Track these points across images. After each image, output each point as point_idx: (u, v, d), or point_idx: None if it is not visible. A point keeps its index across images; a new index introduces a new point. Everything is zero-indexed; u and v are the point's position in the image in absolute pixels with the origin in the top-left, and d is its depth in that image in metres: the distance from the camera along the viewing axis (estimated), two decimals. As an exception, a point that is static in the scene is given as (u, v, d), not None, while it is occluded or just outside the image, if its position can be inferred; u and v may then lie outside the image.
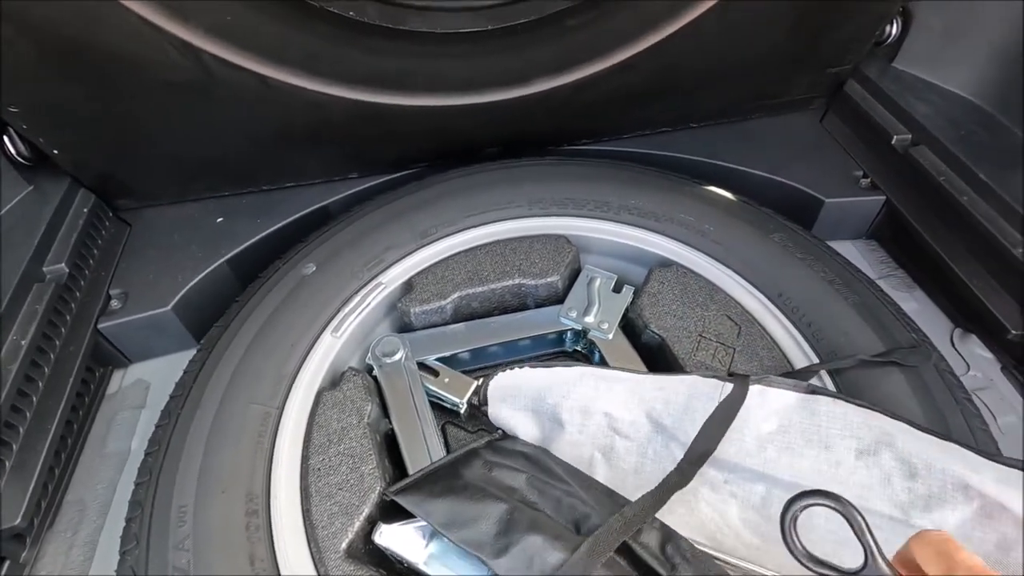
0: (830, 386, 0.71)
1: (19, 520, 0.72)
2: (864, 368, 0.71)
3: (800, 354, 0.75)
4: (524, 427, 0.73)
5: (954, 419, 0.67)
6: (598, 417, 0.70)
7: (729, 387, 0.66)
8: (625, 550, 0.58)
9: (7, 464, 0.74)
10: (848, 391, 0.70)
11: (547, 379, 0.72)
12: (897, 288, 1.03)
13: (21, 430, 0.77)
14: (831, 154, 1.12)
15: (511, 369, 0.74)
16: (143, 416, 0.94)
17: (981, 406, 0.85)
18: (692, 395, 0.67)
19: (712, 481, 0.64)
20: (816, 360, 0.74)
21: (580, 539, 0.56)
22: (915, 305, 1.00)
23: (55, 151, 0.92)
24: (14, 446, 0.75)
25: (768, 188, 1.07)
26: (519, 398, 0.73)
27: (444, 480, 0.65)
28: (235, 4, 0.75)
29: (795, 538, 0.40)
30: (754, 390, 0.65)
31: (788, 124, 1.17)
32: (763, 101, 1.15)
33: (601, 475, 0.68)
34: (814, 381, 0.71)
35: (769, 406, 0.65)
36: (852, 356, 0.71)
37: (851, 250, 1.10)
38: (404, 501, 0.62)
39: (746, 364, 0.74)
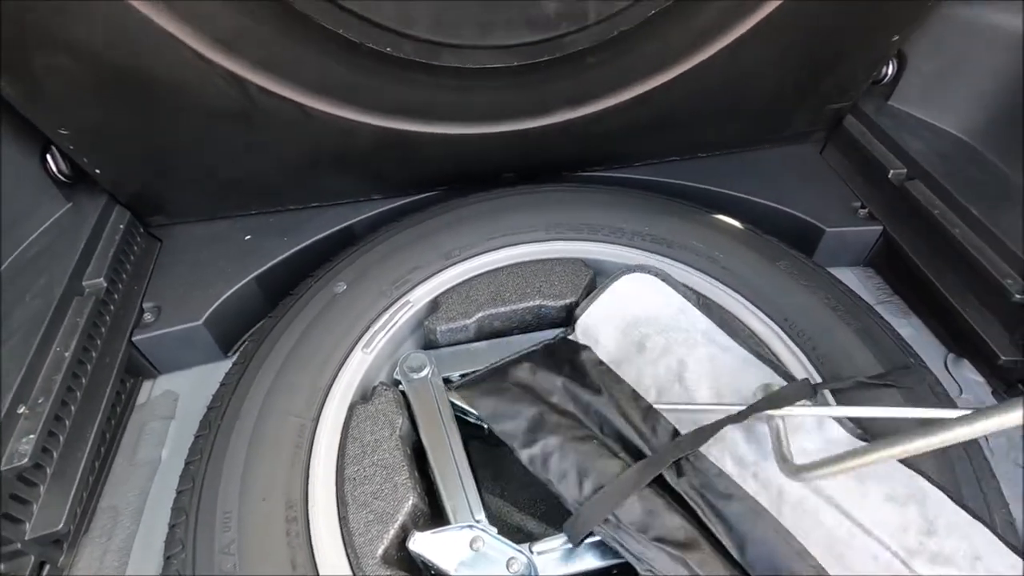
0: (831, 402, 0.76)
1: (61, 526, 0.76)
2: (863, 389, 0.76)
3: (805, 375, 0.80)
4: (606, 336, 0.83)
5: (960, 458, 0.72)
6: (673, 360, 0.78)
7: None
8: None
9: (48, 471, 0.77)
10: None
11: (653, 311, 0.83)
12: (893, 314, 1.09)
13: (62, 439, 0.80)
14: (831, 185, 1.18)
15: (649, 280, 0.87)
16: (172, 426, 0.97)
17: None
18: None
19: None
20: (819, 380, 0.79)
21: (594, 446, 0.70)
22: (910, 330, 1.06)
23: (98, 170, 0.96)
24: (55, 454, 0.79)
25: (772, 216, 1.13)
26: (622, 312, 0.84)
27: (493, 380, 0.79)
28: (283, 39, 0.80)
29: None
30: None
31: (790, 155, 1.23)
32: (767, 134, 1.21)
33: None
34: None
35: (823, 432, 0.70)
36: (852, 378, 0.76)
37: (850, 277, 1.15)
38: (458, 396, 0.79)
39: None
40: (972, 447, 0.73)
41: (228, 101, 0.86)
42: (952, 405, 0.77)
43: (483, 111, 1.00)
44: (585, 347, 0.82)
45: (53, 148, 0.96)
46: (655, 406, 0.74)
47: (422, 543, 0.67)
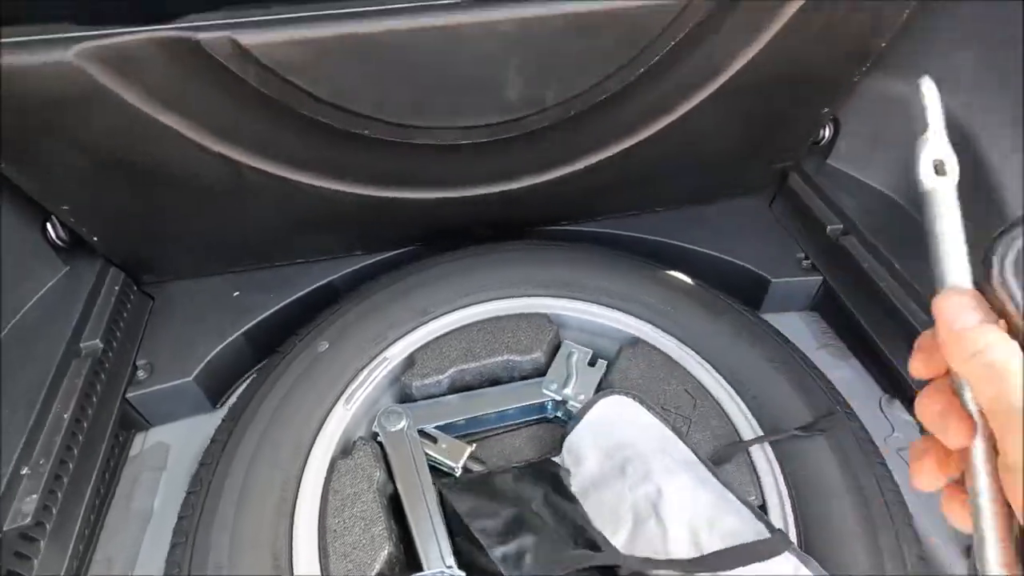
0: (771, 452, 0.85)
1: (62, 573, 0.81)
2: (796, 439, 0.85)
3: (745, 423, 0.88)
4: (589, 458, 0.86)
5: (867, 479, 0.81)
6: (652, 488, 0.80)
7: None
8: None
9: (48, 527, 0.83)
10: (784, 458, 0.83)
11: (643, 438, 0.85)
12: (835, 356, 1.18)
13: (60, 495, 0.86)
14: (777, 238, 1.28)
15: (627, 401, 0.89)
16: (164, 477, 1.03)
17: (902, 463, 1.00)
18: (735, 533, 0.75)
19: None
20: (759, 429, 0.88)
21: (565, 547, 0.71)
22: (849, 372, 1.15)
23: (95, 238, 1.03)
24: (54, 510, 0.84)
25: (722, 267, 1.23)
26: (606, 434, 0.87)
27: (479, 485, 0.83)
28: (270, 126, 0.89)
29: None
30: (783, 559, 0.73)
31: (741, 210, 1.34)
32: (719, 190, 1.32)
33: (622, 535, 0.78)
34: (755, 449, 0.84)
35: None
36: (787, 432, 0.85)
37: (796, 321, 1.25)
38: (447, 493, 0.81)
39: (699, 434, 0.88)
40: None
41: (220, 178, 0.94)
42: (874, 449, 0.86)
43: (454, 179, 1.09)
44: (566, 470, 0.86)
45: (53, 218, 1.04)
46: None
47: (398, 589, 0.73)
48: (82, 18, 0.72)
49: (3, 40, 0.69)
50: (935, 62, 1.10)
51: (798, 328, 1.23)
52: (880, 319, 1.10)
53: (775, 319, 1.21)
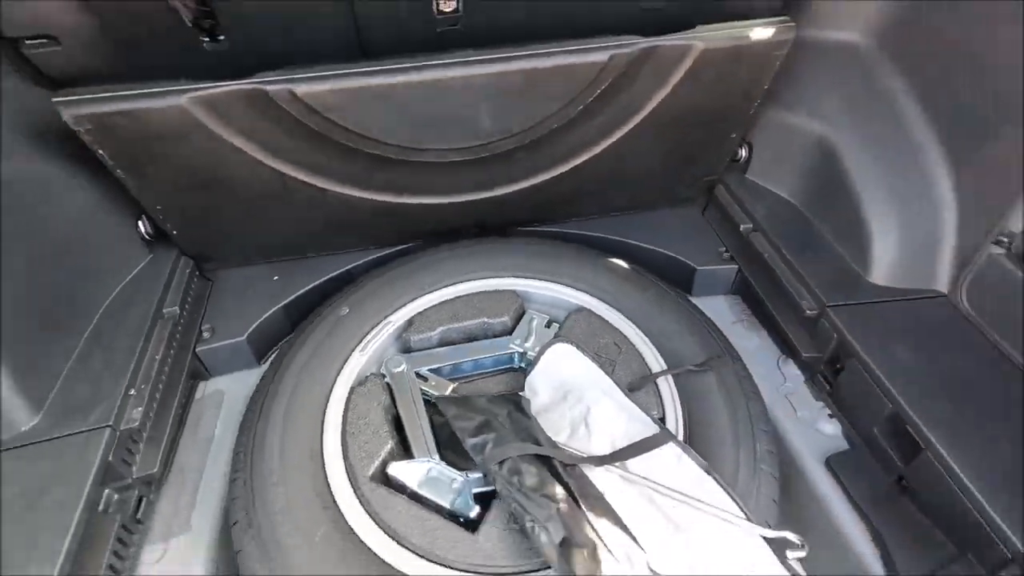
0: (672, 382, 1.15)
1: (156, 470, 1.12)
2: (691, 373, 1.15)
3: (656, 364, 1.19)
4: (542, 392, 1.15)
5: (739, 401, 1.11)
6: (583, 407, 1.10)
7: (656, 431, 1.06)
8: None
9: (145, 434, 1.15)
10: (680, 386, 1.14)
11: (580, 375, 1.15)
12: (747, 328, 1.49)
13: (152, 414, 1.18)
14: (705, 236, 1.60)
15: (569, 349, 1.19)
16: (221, 413, 1.34)
17: (791, 404, 1.29)
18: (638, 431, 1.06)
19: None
20: (664, 367, 1.18)
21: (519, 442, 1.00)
22: (758, 340, 1.45)
23: (175, 232, 1.37)
24: (148, 424, 1.16)
25: (660, 258, 1.54)
26: (554, 374, 1.16)
27: (462, 401, 1.12)
28: (309, 147, 1.23)
29: None
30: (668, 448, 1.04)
31: (679, 215, 1.66)
32: (661, 199, 1.64)
33: (560, 440, 1.06)
34: (660, 381, 1.15)
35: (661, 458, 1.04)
36: (683, 366, 1.16)
37: (721, 302, 1.56)
38: (439, 401, 1.11)
39: (621, 371, 1.18)
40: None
41: (270, 187, 1.28)
42: (749, 382, 1.16)
43: (446, 189, 1.42)
44: (527, 400, 1.15)
45: (144, 216, 1.38)
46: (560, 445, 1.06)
47: (396, 469, 1.04)
48: (191, 76, 1.07)
49: (141, 91, 1.05)
50: (812, 97, 1.43)
51: (721, 307, 1.54)
52: (775, 297, 1.40)
53: (706, 301, 1.52)
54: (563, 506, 0.90)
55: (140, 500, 1.12)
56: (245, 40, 1.12)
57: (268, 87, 1.10)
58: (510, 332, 1.31)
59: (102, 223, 1.31)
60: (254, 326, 1.39)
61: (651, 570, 0.84)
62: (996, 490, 0.93)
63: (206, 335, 1.38)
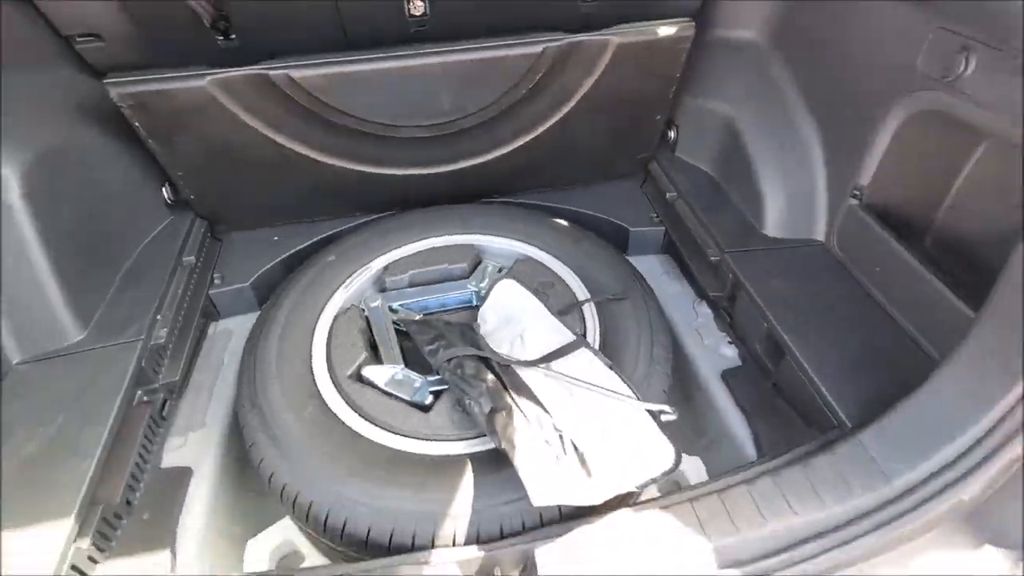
0: (594, 308, 1.42)
1: (178, 377, 1.40)
2: (609, 301, 1.43)
3: (583, 295, 1.46)
4: (490, 320, 1.41)
5: (644, 321, 1.38)
6: (520, 328, 1.36)
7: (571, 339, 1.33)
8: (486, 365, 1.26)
9: (169, 351, 1.42)
10: (600, 310, 1.41)
11: (520, 305, 1.42)
12: (672, 278, 1.76)
13: (175, 336, 1.45)
14: (641, 205, 1.88)
15: (512, 284, 1.46)
16: (228, 346, 1.62)
17: (700, 335, 1.56)
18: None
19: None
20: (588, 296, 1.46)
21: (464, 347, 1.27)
22: (680, 287, 1.73)
23: (192, 197, 1.66)
24: (171, 345, 1.43)
25: (602, 222, 1.82)
26: (500, 306, 1.43)
27: (423, 321, 1.39)
28: (307, 123, 1.51)
29: None
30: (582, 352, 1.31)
31: (620, 187, 1.94)
32: (603, 173, 1.93)
33: (501, 352, 1.34)
34: (585, 307, 1.42)
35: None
36: (602, 295, 1.43)
37: (653, 260, 1.84)
38: (405, 323, 1.38)
39: (554, 301, 1.45)
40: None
41: (271, 158, 1.56)
42: (657, 309, 1.44)
43: (417, 161, 1.70)
44: (478, 325, 1.42)
45: (167, 184, 1.67)
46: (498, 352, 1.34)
47: (368, 371, 1.31)
48: (211, 63, 1.36)
49: (172, 75, 1.34)
50: (722, 86, 1.72)
51: (653, 263, 1.82)
52: (692, 251, 1.68)
53: (641, 259, 1.80)
54: (492, 384, 1.17)
55: (164, 402, 1.39)
56: (252, 36, 1.41)
57: (271, 72, 1.39)
58: (468, 277, 1.59)
59: (135, 187, 1.60)
60: (256, 275, 1.67)
61: (556, 428, 1.11)
62: (830, 378, 1.20)
63: (217, 281, 1.66)
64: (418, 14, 1.46)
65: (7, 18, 1.27)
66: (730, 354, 1.51)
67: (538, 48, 1.46)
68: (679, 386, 1.47)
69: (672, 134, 1.88)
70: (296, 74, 1.41)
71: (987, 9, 1.06)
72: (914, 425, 1.01)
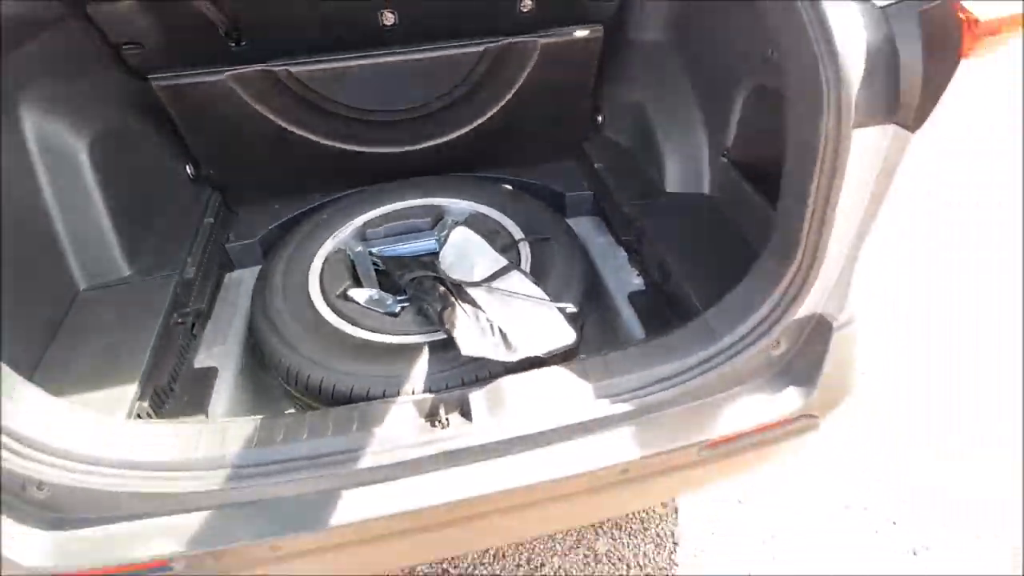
0: (528, 247, 1.83)
1: (203, 305, 1.79)
2: (540, 241, 1.84)
3: (521, 236, 1.87)
4: (448, 257, 1.81)
5: (570, 255, 1.79)
6: (471, 263, 1.77)
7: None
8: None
9: (196, 283, 1.82)
10: (533, 247, 1.82)
11: (472, 245, 1.82)
12: (600, 233, 2.17)
13: (201, 274, 1.85)
14: (576, 175, 2.30)
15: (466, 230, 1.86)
16: (241, 289, 2.01)
17: (618, 273, 1.97)
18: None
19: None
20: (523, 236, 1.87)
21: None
22: (605, 239, 2.14)
23: (211, 172, 2.07)
24: (198, 280, 1.83)
25: (544, 189, 2.24)
26: (458, 246, 1.83)
27: (398, 258, 1.79)
28: (301, 108, 1.93)
29: None
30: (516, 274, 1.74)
31: (560, 162, 2.37)
32: (546, 152, 2.35)
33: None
34: (522, 245, 1.83)
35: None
36: (534, 236, 1.84)
37: (587, 220, 2.25)
38: (381, 261, 1.76)
39: (499, 242, 1.85)
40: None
41: (275, 139, 1.98)
42: (579, 248, 1.85)
43: (393, 141, 2.12)
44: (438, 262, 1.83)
45: (190, 163, 2.08)
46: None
47: (352, 292, 1.71)
48: (228, 63, 1.79)
49: (202, 71, 1.76)
50: (636, 77, 2.16)
51: (586, 222, 2.23)
52: (612, 208, 2.10)
53: (577, 220, 2.21)
54: (443, 292, 1.58)
55: (194, 324, 1.78)
56: (259, 41, 1.83)
57: (275, 68, 1.82)
58: (432, 229, 2.00)
59: (167, 163, 2.01)
60: (262, 234, 2.08)
61: (488, 320, 1.51)
62: (699, 287, 1.61)
63: (232, 237, 2.06)
64: (389, 24, 1.89)
65: (75, 33, 1.69)
66: (637, 282, 1.92)
67: (480, 48, 1.89)
68: (599, 307, 1.88)
69: (600, 118, 2.31)
70: (294, 69, 1.83)
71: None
72: (739, 302, 1.42)
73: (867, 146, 1.12)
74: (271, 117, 1.92)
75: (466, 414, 1.31)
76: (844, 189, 1.17)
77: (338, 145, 2.07)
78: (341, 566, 1.36)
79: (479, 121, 2.11)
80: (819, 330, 1.36)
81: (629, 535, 2.10)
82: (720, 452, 1.40)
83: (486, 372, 1.45)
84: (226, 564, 1.22)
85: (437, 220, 2.03)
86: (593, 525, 2.11)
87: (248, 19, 1.77)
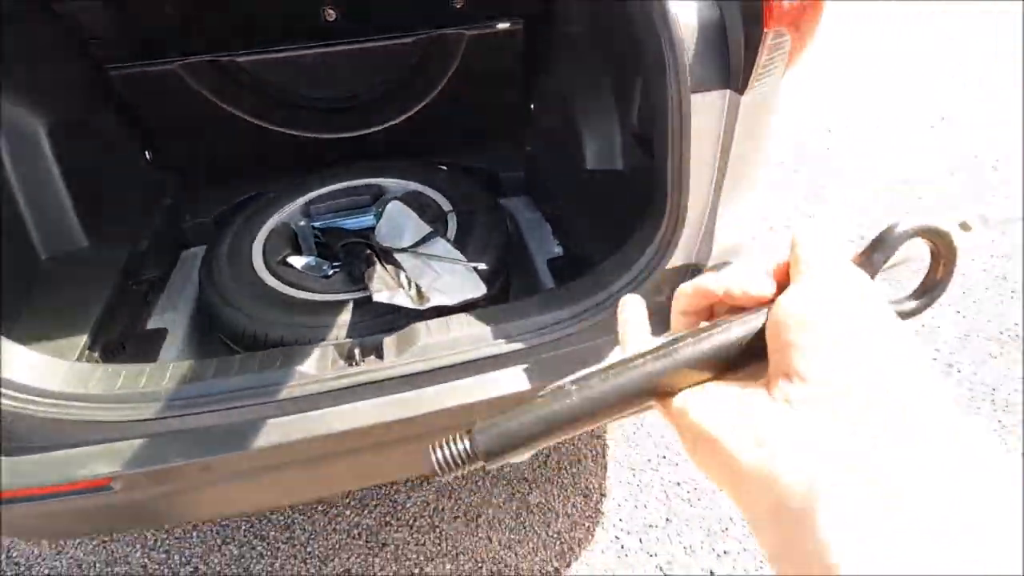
0: (455, 219, 2.01)
1: (157, 274, 1.96)
2: (465, 212, 2.02)
3: (450, 210, 2.06)
4: (384, 228, 2.00)
5: (495, 226, 1.97)
6: (401, 232, 1.97)
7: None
8: None
9: (151, 258, 1.99)
10: (459, 219, 2.00)
11: (403, 218, 2.01)
12: (531, 210, 2.36)
13: (155, 250, 2.02)
14: (510, 157, 2.50)
15: (399, 204, 2.05)
16: (196, 264, 2.18)
17: (542, 243, 2.16)
18: None
19: None
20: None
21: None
22: (534, 214, 2.33)
23: (169, 156, 2.24)
24: (153, 253, 2.00)
25: (483, 171, 2.43)
26: (392, 219, 2.02)
27: (337, 229, 1.95)
28: (247, 94, 2.12)
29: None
30: (439, 241, 1.93)
31: (497, 146, 2.56)
32: (483, 135, 2.54)
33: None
34: (450, 217, 2.01)
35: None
36: (459, 209, 2.03)
37: (519, 200, 2.44)
38: (321, 234, 1.92)
39: (429, 215, 2.04)
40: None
41: (227, 125, 2.16)
42: (503, 218, 2.04)
43: (336, 127, 2.31)
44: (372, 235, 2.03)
45: (149, 147, 2.25)
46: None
47: (291, 259, 1.89)
48: (181, 53, 1.97)
49: (152, 62, 1.94)
50: (563, 69, 2.35)
51: (519, 201, 2.42)
52: (539, 186, 2.29)
53: (512, 200, 2.40)
54: (368, 254, 1.76)
55: (147, 292, 1.95)
56: (211, 34, 2.02)
57: (221, 59, 2.00)
58: (371, 206, 2.18)
59: (127, 147, 2.19)
60: (217, 212, 2.25)
61: (407, 277, 1.69)
62: (602, 249, 1.80)
63: (187, 217, 2.24)
64: (331, 20, 2.09)
65: (41, 26, 1.87)
66: (557, 251, 2.11)
67: (411, 39, 2.09)
68: (524, 272, 2.07)
69: (532, 105, 2.51)
70: (241, 59, 2.02)
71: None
72: (626, 256, 1.60)
73: (706, 109, 1.32)
74: (222, 105, 2.10)
75: (379, 354, 1.48)
76: (693, 147, 1.36)
77: (286, 131, 2.25)
78: (266, 490, 1.53)
79: (418, 107, 2.30)
80: (692, 277, 1.55)
81: (560, 488, 2.27)
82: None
83: (404, 322, 1.63)
84: (160, 484, 1.39)
85: (376, 197, 2.21)
86: (526, 478, 2.28)
87: (200, 14, 1.95)
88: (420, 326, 1.53)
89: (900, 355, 0.30)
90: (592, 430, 2.34)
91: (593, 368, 0.39)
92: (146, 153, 2.26)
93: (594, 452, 2.37)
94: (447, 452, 0.37)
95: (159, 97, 2.03)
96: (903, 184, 3.66)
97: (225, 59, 2.00)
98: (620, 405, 0.37)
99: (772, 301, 0.36)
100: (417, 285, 1.66)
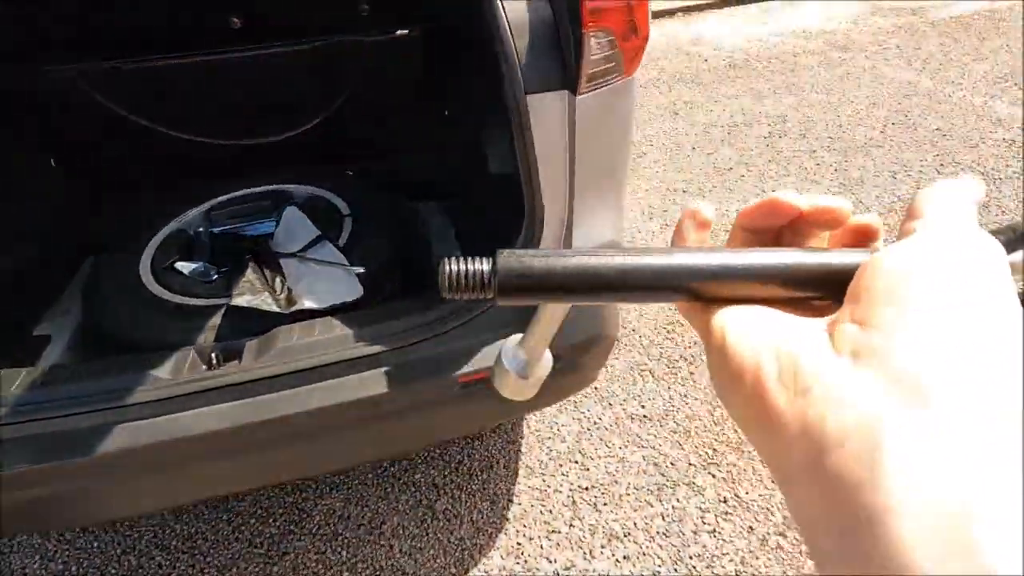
0: (349, 224, 2.01)
1: (52, 280, 1.95)
2: (359, 217, 2.02)
3: (346, 210, 2.06)
4: (280, 234, 2.00)
5: (373, 229, 1.97)
6: (293, 236, 1.97)
7: None
8: None
9: (40, 277, 1.98)
10: (356, 226, 2.00)
11: (300, 223, 2.02)
12: (441, 214, 2.36)
13: (49, 265, 2.01)
14: (426, 161, 2.50)
15: (295, 210, 2.05)
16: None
17: (444, 241, 2.16)
18: None
19: None
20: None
21: None
22: (443, 218, 2.33)
23: (73, 162, 2.24)
24: (55, 274, 1.99)
25: (396, 176, 2.44)
26: (288, 224, 2.02)
27: (228, 237, 1.95)
28: (154, 102, 2.12)
29: None
30: (325, 245, 1.94)
31: (412, 150, 2.56)
32: (395, 144, 2.55)
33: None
34: (345, 221, 2.01)
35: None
36: (356, 213, 2.03)
37: (433, 204, 2.44)
38: (220, 238, 1.92)
39: (326, 219, 2.04)
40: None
41: (131, 132, 2.16)
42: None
43: (246, 133, 2.32)
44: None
45: (54, 154, 2.25)
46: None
47: (179, 264, 1.88)
48: (79, 58, 1.98)
49: (50, 67, 1.94)
50: (469, 79, 2.37)
51: (434, 206, 2.42)
52: (447, 190, 2.29)
53: (427, 204, 2.41)
54: (247, 258, 1.76)
55: (36, 297, 1.94)
56: (117, 39, 2.03)
57: (123, 66, 2.01)
58: (273, 212, 2.18)
59: (33, 153, 2.19)
60: (121, 219, 2.25)
61: (283, 282, 1.68)
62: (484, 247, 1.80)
63: (91, 224, 2.23)
64: (238, 27, 2.10)
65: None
66: (457, 253, 2.10)
67: (307, 46, 2.10)
68: (425, 268, 2.06)
69: (447, 112, 2.52)
70: (142, 66, 2.03)
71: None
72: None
73: (545, 109, 1.32)
74: (123, 112, 2.11)
75: (238, 357, 1.47)
76: (540, 147, 1.37)
77: (193, 138, 2.26)
78: (123, 495, 1.51)
79: (326, 113, 2.31)
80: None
81: (468, 495, 2.25)
82: (478, 391, 1.57)
83: (272, 324, 1.62)
84: (9, 488, 1.37)
85: (279, 204, 2.21)
86: (436, 484, 2.26)
87: (100, 20, 1.96)
88: (284, 329, 1.52)
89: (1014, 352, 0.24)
90: (505, 427, 2.31)
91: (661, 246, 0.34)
92: (51, 160, 2.26)
93: (506, 458, 2.36)
94: (461, 268, 0.34)
95: (59, 103, 2.03)
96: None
97: (128, 66, 2.01)
98: (658, 289, 0.32)
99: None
100: (290, 289, 1.66)
